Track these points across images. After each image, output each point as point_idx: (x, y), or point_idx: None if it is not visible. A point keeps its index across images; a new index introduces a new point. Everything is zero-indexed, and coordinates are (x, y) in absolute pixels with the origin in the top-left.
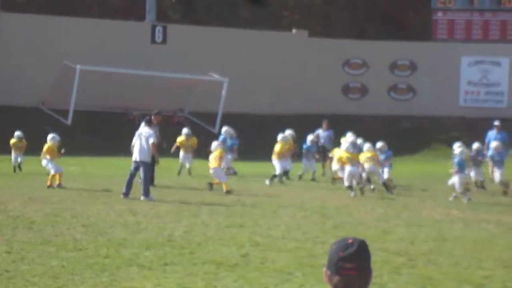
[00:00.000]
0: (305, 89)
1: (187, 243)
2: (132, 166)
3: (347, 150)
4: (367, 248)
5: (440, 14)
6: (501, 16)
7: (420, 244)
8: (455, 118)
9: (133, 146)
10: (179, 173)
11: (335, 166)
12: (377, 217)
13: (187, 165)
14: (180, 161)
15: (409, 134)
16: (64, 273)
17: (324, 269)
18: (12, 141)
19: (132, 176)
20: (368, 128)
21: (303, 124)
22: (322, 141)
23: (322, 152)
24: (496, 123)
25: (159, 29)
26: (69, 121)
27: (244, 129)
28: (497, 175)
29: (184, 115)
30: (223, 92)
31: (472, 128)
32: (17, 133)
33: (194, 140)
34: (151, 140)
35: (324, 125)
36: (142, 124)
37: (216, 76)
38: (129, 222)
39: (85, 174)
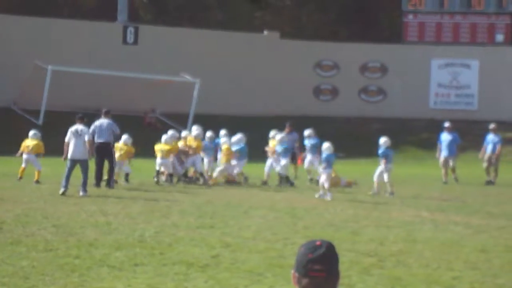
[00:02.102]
0: (276, 91)
1: (158, 243)
2: (69, 164)
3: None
4: (335, 250)
5: (410, 16)
6: (471, 18)
7: (389, 245)
8: (425, 120)
9: (67, 144)
10: (157, 182)
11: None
12: (347, 218)
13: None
14: (156, 167)
15: (379, 136)
16: (35, 273)
17: (292, 271)
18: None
19: (70, 172)
20: (338, 130)
21: (274, 125)
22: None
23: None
24: (447, 124)
25: (130, 29)
26: (40, 121)
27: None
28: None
29: (155, 115)
30: (195, 93)
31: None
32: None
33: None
34: (86, 137)
35: (287, 128)
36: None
37: (187, 77)
38: (100, 222)
39: (56, 174)
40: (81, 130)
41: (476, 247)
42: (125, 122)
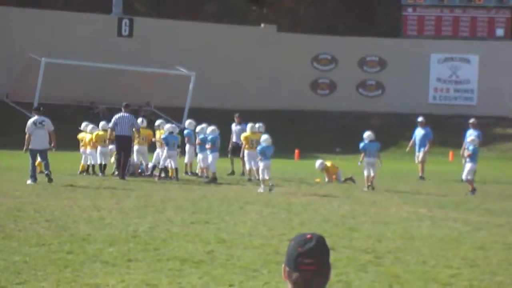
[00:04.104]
0: (273, 85)
1: (152, 239)
2: (31, 154)
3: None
4: (326, 244)
5: (409, 10)
6: (471, 12)
7: (387, 242)
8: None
9: (29, 135)
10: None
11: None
12: (344, 214)
13: (144, 162)
14: (134, 158)
15: (377, 131)
16: (27, 268)
17: (283, 265)
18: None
19: (34, 161)
20: (336, 125)
21: (271, 119)
22: (234, 137)
23: (236, 148)
24: (420, 119)
25: (125, 22)
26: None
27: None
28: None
29: (150, 109)
30: (190, 86)
31: (440, 125)
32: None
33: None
34: (51, 128)
35: (236, 119)
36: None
37: (183, 70)
38: (93, 217)
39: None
40: (43, 121)
41: (475, 244)
42: None
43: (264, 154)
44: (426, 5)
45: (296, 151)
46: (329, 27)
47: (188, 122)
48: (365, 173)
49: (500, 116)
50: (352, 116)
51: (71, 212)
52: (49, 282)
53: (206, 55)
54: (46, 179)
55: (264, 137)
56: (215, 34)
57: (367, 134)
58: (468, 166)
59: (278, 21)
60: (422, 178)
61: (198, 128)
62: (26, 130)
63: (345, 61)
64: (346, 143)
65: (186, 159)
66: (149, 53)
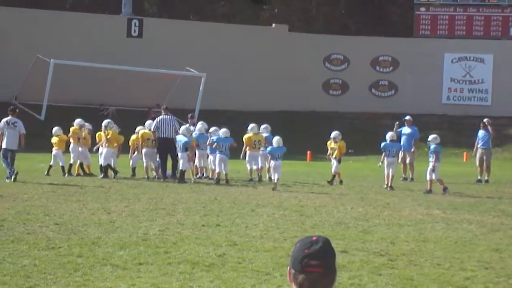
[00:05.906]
0: (284, 85)
1: (162, 242)
2: (3, 154)
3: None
4: (332, 246)
5: (423, 9)
6: (485, 11)
7: (401, 244)
8: (437, 116)
9: (2, 133)
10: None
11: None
12: (357, 216)
13: (153, 165)
14: (144, 162)
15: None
16: (36, 272)
17: (288, 268)
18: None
19: (7, 160)
20: (348, 125)
21: (283, 120)
22: None
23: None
24: (407, 118)
25: (135, 22)
26: (42, 117)
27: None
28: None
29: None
30: (201, 88)
31: (454, 126)
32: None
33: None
34: (22, 131)
35: (190, 120)
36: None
37: (193, 71)
38: (103, 220)
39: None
40: (15, 122)
41: (490, 246)
42: (128, 116)
43: (272, 154)
44: (439, 4)
45: (308, 152)
46: (341, 27)
47: (198, 124)
48: (386, 172)
49: None
50: (365, 116)
51: (81, 215)
52: (58, 286)
53: (216, 56)
54: (12, 178)
55: (276, 138)
56: (226, 35)
57: (389, 134)
58: (431, 166)
59: (289, 21)
60: (405, 179)
61: (211, 130)
62: None
63: (358, 61)
64: (359, 144)
65: (196, 161)
66: (158, 53)
